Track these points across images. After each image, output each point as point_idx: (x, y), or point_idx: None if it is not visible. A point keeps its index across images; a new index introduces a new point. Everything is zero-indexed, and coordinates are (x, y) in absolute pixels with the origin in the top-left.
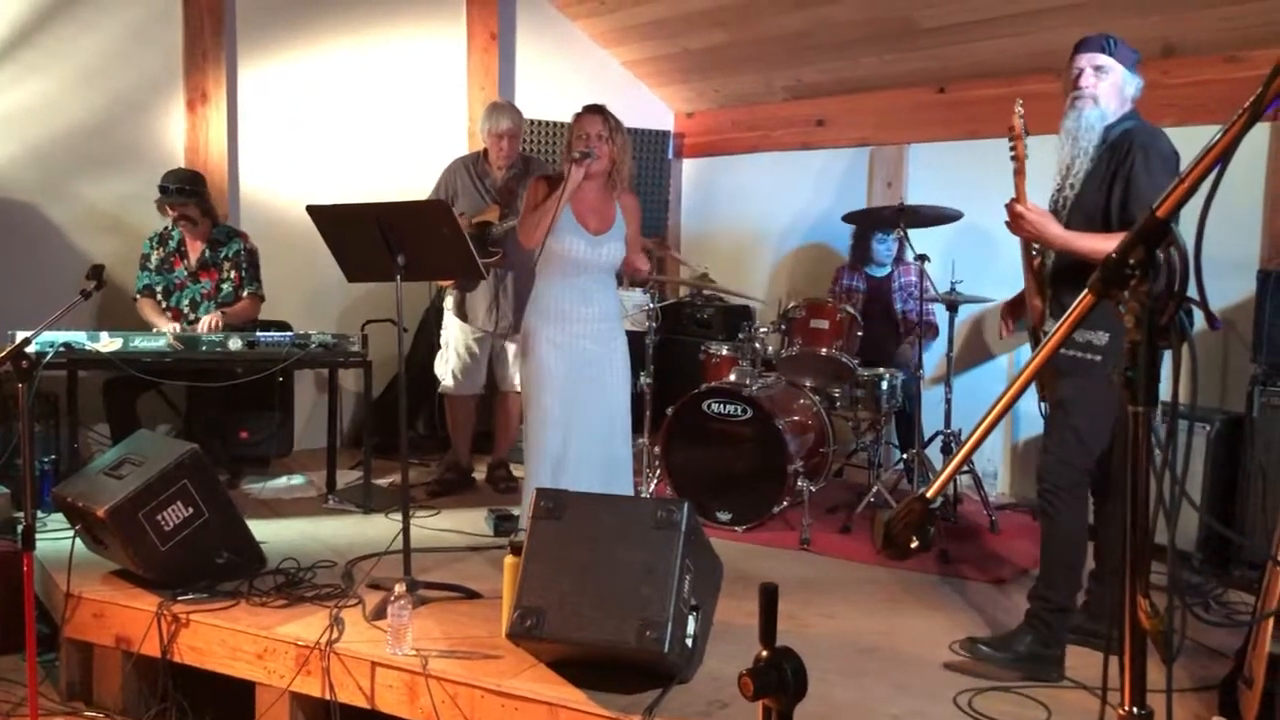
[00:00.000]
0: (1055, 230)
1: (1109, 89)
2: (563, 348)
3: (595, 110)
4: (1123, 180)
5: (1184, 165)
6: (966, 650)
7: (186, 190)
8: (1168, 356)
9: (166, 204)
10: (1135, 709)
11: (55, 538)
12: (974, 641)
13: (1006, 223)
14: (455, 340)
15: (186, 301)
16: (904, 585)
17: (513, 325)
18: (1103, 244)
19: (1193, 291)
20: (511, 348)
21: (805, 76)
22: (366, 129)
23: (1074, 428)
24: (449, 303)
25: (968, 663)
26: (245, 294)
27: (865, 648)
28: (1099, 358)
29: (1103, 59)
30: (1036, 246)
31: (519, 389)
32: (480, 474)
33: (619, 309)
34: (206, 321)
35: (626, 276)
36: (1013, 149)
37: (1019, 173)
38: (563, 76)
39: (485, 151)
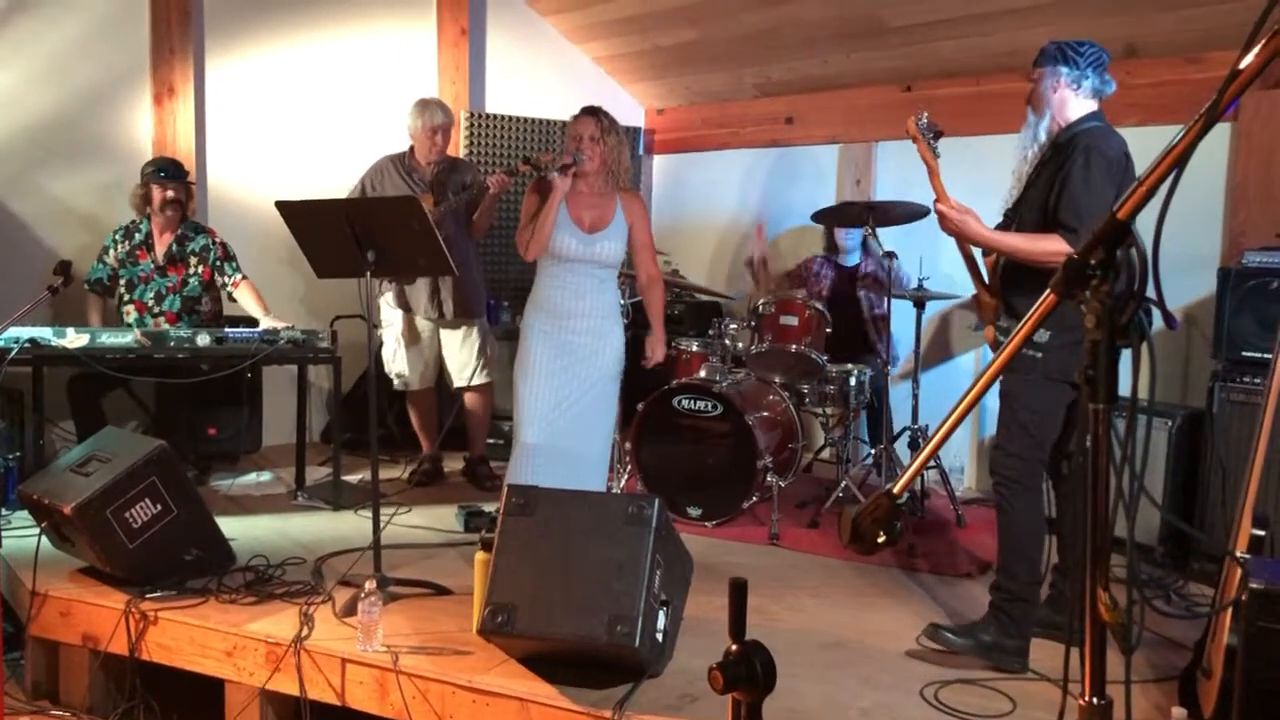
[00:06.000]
0: (976, 228)
1: (1039, 98)
2: (551, 340)
3: (590, 112)
4: (1061, 180)
5: (1144, 168)
6: (930, 636)
7: (183, 173)
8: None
9: (166, 185)
10: (1095, 699)
11: (20, 535)
12: (937, 627)
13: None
14: (400, 334)
15: (151, 295)
16: (872, 579)
17: (454, 312)
18: (1023, 243)
19: (1151, 293)
20: (458, 336)
21: (774, 74)
22: (336, 124)
23: (1021, 423)
24: (388, 296)
25: (930, 651)
26: (238, 279)
27: (833, 642)
28: (1040, 354)
29: (1038, 70)
30: None
31: (472, 383)
32: (450, 468)
33: (615, 306)
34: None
35: (641, 292)
36: (920, 152)
37: (933, 174)
38: (534, 72)
39: (411, 149)
